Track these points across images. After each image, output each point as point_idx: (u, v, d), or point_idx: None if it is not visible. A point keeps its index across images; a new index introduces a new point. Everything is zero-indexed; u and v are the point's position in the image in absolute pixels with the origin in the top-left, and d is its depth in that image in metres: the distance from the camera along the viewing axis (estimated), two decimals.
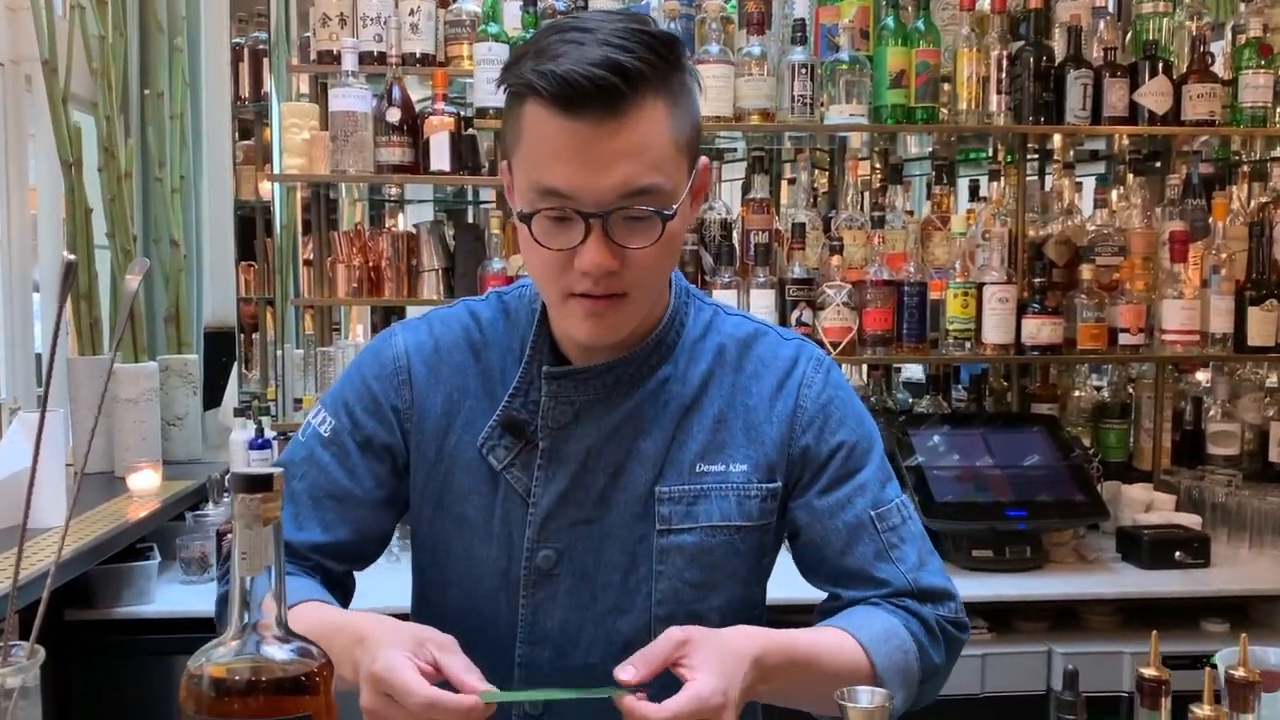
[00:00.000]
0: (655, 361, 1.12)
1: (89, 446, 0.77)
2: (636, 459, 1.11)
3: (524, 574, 1.12)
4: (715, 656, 0.94)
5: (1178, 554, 2.45)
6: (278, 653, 0.77)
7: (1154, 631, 0.87)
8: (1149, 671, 0.87)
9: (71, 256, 0.73)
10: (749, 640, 0.99)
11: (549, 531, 1.11)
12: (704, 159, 1.10)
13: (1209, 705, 0.83)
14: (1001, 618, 2.41)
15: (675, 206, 1.02)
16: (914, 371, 3.40)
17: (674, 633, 0.95)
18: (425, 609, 1.22)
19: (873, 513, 1.13)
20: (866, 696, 0.88)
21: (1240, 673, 0.85)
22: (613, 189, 0.99)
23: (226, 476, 2.20)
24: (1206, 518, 2.65)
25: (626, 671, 0.92)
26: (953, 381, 3.09)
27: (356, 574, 1.22)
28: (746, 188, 2.75)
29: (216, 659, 0.76)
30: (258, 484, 0.75)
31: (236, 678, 0.75)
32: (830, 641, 1.05)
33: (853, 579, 1.13)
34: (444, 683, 0.90)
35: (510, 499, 1.12)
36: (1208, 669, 0.88)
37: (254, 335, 3.79)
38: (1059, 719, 0.91)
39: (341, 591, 1.17)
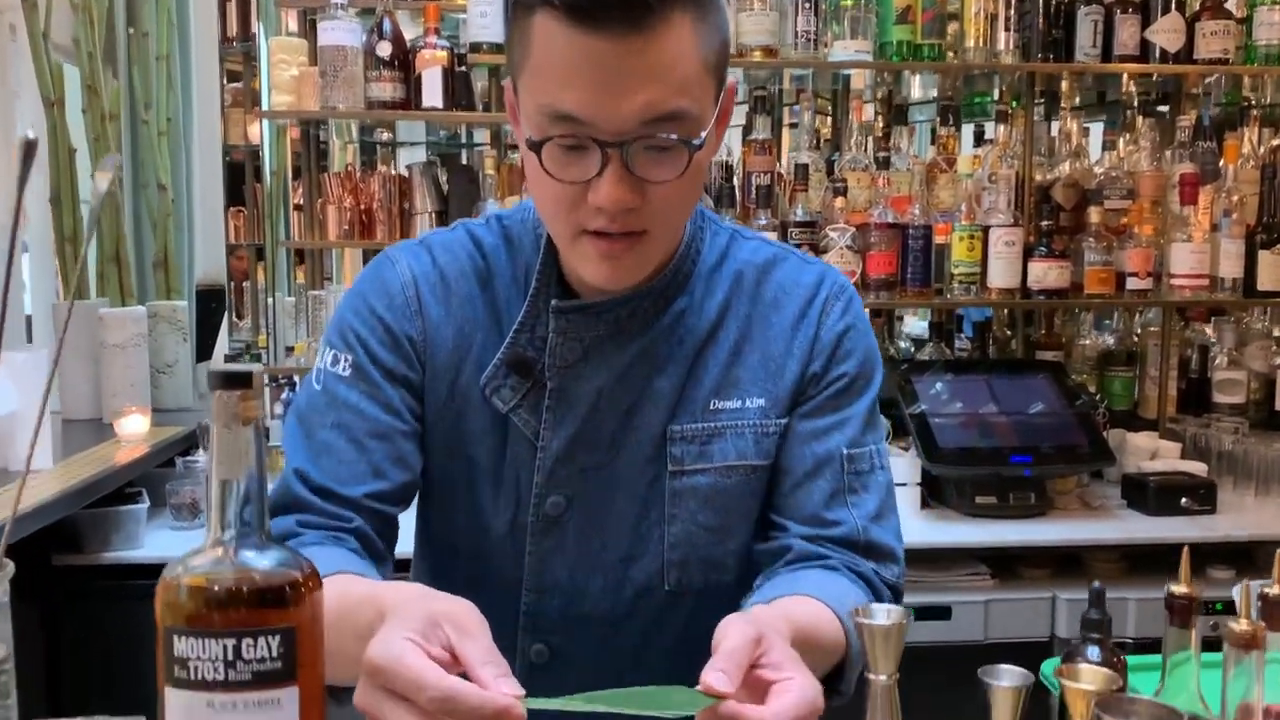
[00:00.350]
0: (671, 294, 1.04)
1: (48, 386, 0.72)
2: (650, 399, 1.04)
3: (532, 521, 1.06)
4: (790, 651, 0.82)
5: (1184, 500, 2.42)
6: (259, 561, 0.72)
7: (1185, 547, 0.83)
8: (1180, 589, 0.83)
9: (31, 135, 0.67)
10: (785, 625, 0.88)
11: (558, 477, 1.05)
12: (731, 79, 0.98)
13: (1245, 620, 0.79)
14: (1005, 564, 2.38)
15: (703, 135, 0.92)
16: (917, 328, 3.35)
17: (746, 629, 0.80)
18: (429, 555, 1.17)
19: (846, 451, 1.06)
20: (883, 614, 0.84)
21: (1276, 590, 0.80)
22: (634, 115, 0.88)
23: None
24: (1212, 466, 2.62)
25: (719, 681, 0.75)
26: (956, 332, 3.05)
27: None
28: (748, 129, 2.69)
29: (194, 568, 0.71)
30: (236, 380, 0.69)
31: (215, 588, 0.70)
32: (824, 621, 0.96)
33: (801, 514, 1.06)
34: (462, 674, 0.74)
35: (518, 443, 1.05)
36: (1244, 584, 0.85)
37: (244, 284, 3.73)
38: (1085, 638, 0.87)
39: (386, 544, 1.05)
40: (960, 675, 0.92)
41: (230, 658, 0.70)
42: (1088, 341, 2.89)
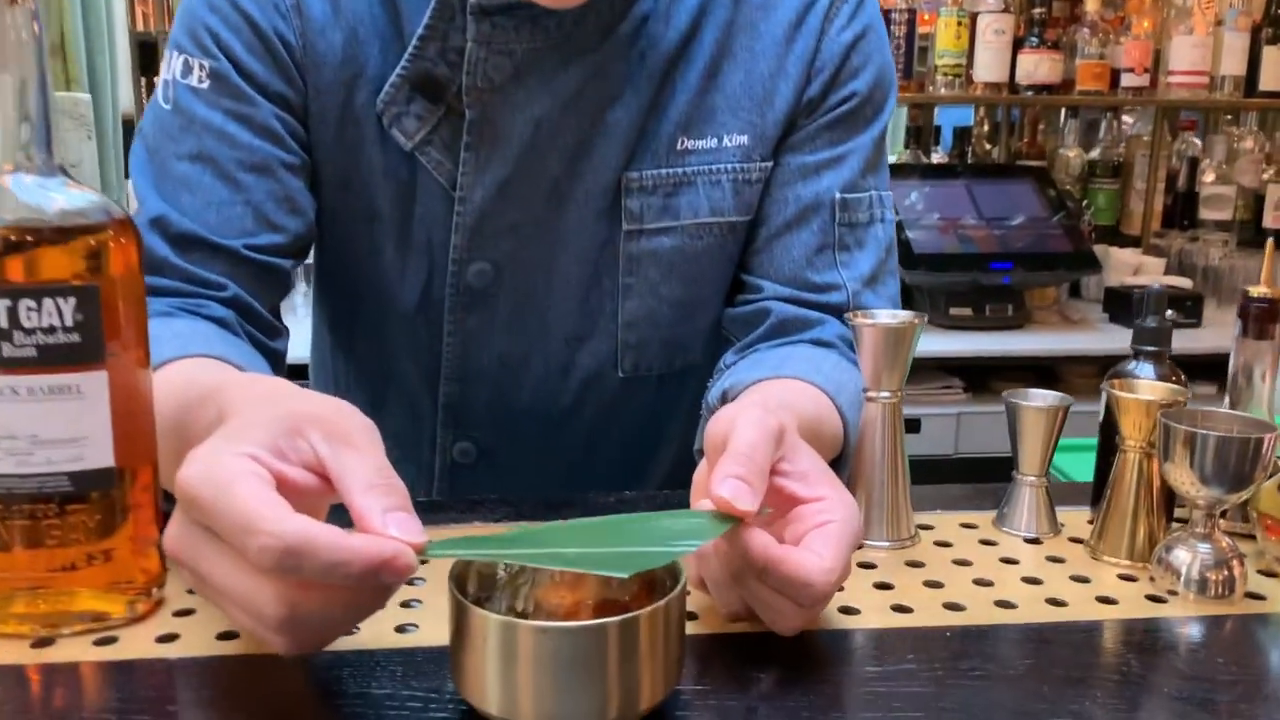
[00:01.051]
0: None
1: None
2: (603, 135, 0.80)
3: (451, 294, 0.83)
4: (814, 454, 0.58)
5: (1169, 313, 2.27)
6: (47, 197, 0.52)
7: (1269, 239, 0.66)
8: (1260, 290, 0.66)
9: None
10: (793, 419, 0.60)
11: (483, 238, 0.81)
12: None
13: (1265, 285, 0.65)
14: (978, 377, 2.24)
15: None
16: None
17: (765, 420, 0.55)
18: (324, 342, 0.96)
19: (840, 195, 0.84)
20: (890, 316, 0.66)
21: None
22: None
23: None
24: (1197, 282, 2.49)
25: (739, 494, 0.50)
26: (933, 143, 2.84)
27: None
28: None
29: None
30: None
31: None
32: (825, 413, 0.72)
33: (780, 272, 0.85)
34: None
35: (430, 192, 0.81)
36: (1269, 243, 0.73)
37: None
38: (1139, 352, 0.70)
39: (270, 322, 0.80)
40: (926, 490, 0.74)
41: (6, 326, 0.50)
42: (1072, 153, 2.70)
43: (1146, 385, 0.66)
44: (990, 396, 2.24)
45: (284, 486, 0.46)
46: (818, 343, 0.81)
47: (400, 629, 0.56)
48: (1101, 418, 0.71)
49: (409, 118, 0.79)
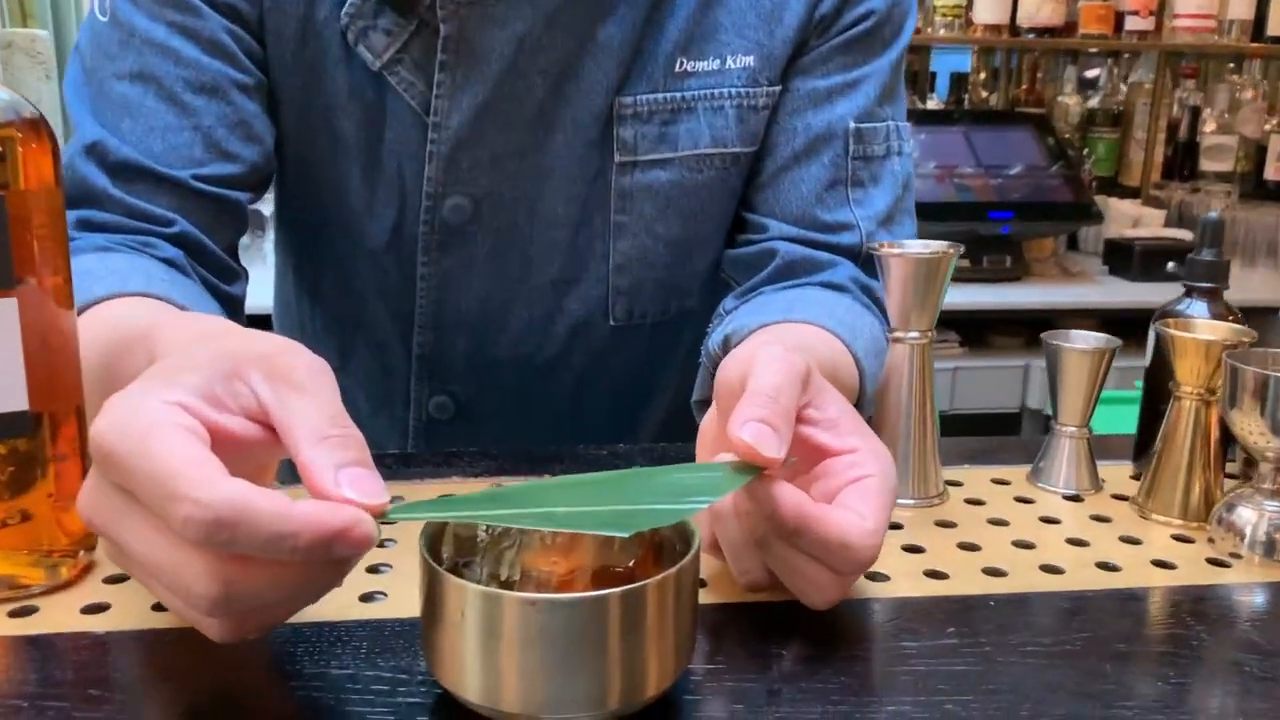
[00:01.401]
0: None
1: None
2: (592, 54, 0.72)
3: (424, 232, 0.75)
4: (843, 400, 0.50)
5: (1170, 265, 2.22)
6: None
7: None
8: None
9: None
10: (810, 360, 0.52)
11: (460, 169, 0.73)
12: None
13: None
14: (975, 331, 2.18)
15: None
16: None
17: (792, 360, 0.47)
18: (289, 287, 0.87)
19: (854, 125, 0.76)
20: (922, 246, 0.59)
21: None
22: None
23: None
24: (1197, 234, 2.43)
25: (765, 439, 0.43)
26: (929, 90, 2.76)
27: None
28: None
29: None
30: None
31: None
32: (841, 359, 0.64)
33: (787, 209, 0.77)
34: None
35: (401, 117, 0.73)
36: None
37: None
38: (1191, 289, 0.63)
39: (227, 264, 0.71)
40: (946, 443, 0.67)
41: None
42: (1071, 100, 2.62)
43: (1205, 325, 0.59)
44: (987, 351, 2.18)
45: (220, 441, 0.38)
46: (828, 286, 0.73)
47: (366, 598, 0.49)
48: (1149, 362, 0.65)
49: (376, 33, 0.70)
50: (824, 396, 0.47)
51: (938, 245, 0.59)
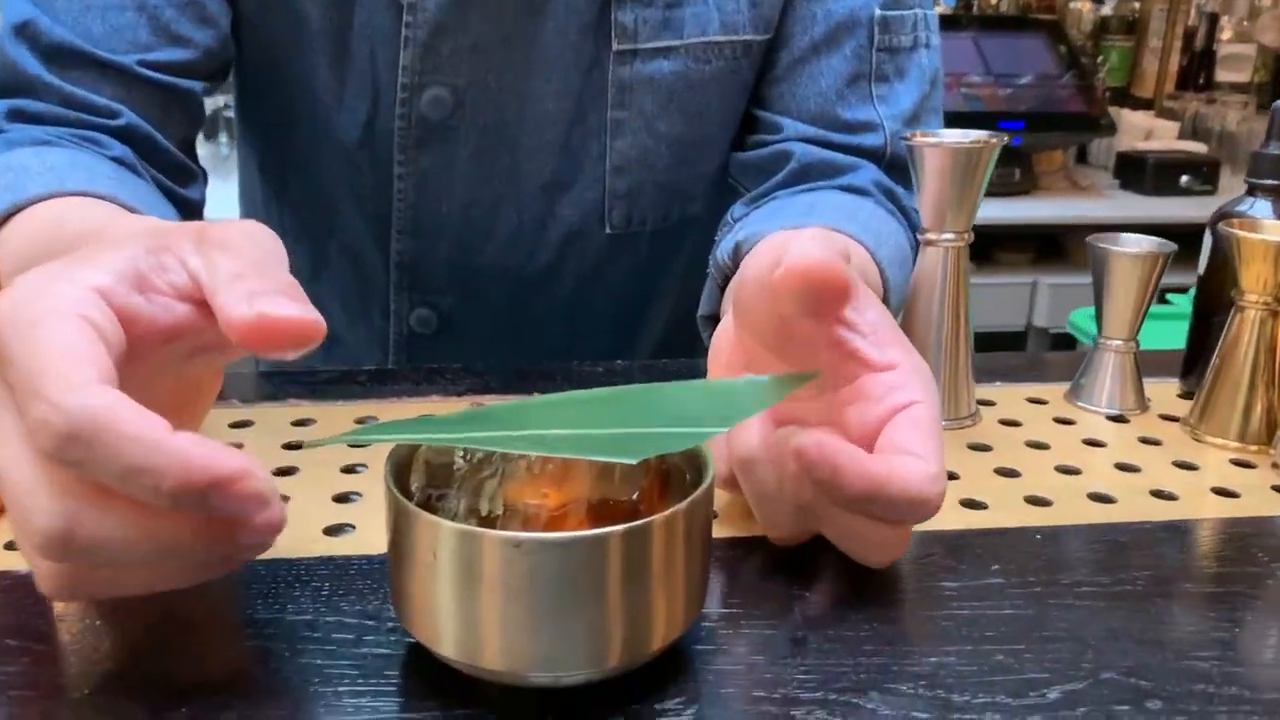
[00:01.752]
0: None
1: None
2: None
3: (400, 127, 0.68)
4: (882, 306, 0.42)
5: (1184, 179, 2.15)
6: None
7: None
8: None
9: None
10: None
11: (440, 57, 0.66)
12: None
13: None
14: (980, 247, 2.11)
15: None
16: None
17: (831, 237, 0.42)
18: (255, 189, 0.80)
19: (879, 12, 0.68)
20: (961, 135, 0.52)
21: None
22: None
23: None
24: (1212, 148, 2.35)
25: (817, 249, 0.38)
26: None
27: None
28: None
29: None
30: None
31: None
32: (866, 266, 0.57)
33: (804, 107, 0.70)
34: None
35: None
36: None
37: None
38: (1255, 186, 0.56)
39: (181, 162, 0.63)
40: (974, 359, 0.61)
41: None
42: (1084, 7, 2.52)
43: (1274, 226, 0.53)
44: (994, 268, 2.11)
45: (142, 328, 0.32)
46: (849, 189, 0.66)
47: (331, 530, 0.43)
48: (1203, 270, 0.58)
49: None
50: (863, 298, 0.41)
51: (978, 134, 0.53)
